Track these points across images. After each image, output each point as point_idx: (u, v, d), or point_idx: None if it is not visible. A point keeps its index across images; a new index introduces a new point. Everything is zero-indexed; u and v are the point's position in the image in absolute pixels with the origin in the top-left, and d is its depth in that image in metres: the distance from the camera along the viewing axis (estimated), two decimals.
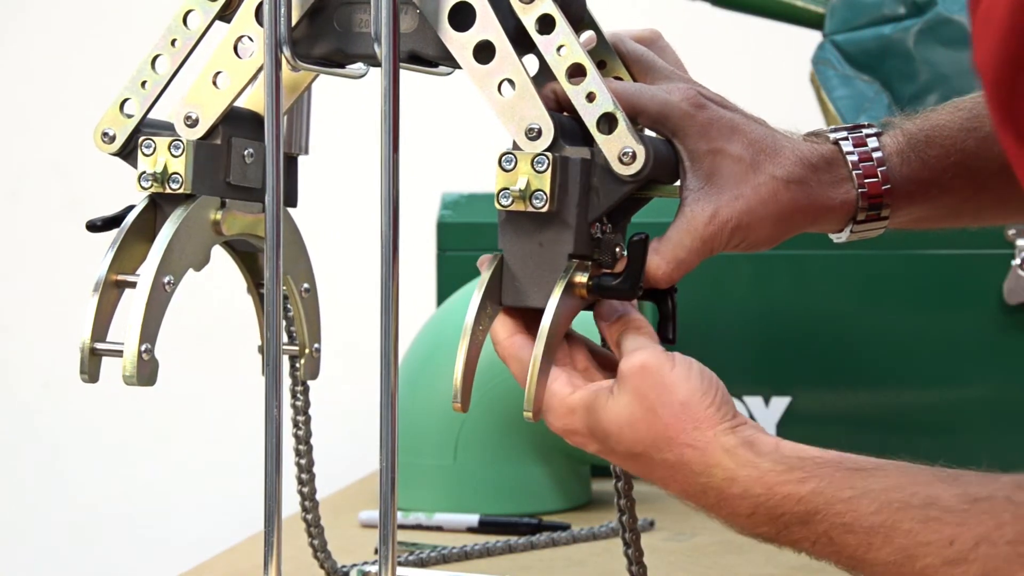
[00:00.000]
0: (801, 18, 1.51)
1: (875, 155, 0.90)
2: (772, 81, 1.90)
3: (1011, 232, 1.37)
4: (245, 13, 0.85)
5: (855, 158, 0.89)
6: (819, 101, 1.48)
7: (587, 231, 0.81)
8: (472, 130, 1.80)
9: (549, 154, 0.80)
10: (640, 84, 0.87)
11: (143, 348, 0.82)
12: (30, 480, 2.09)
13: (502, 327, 0.84)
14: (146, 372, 0.83)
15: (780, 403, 1.42)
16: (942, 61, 1.41)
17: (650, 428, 0.79)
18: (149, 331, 0.82)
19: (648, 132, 0.85)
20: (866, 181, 0.89)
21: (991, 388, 1.39)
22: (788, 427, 1.41)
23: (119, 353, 0.82)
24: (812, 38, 1.50)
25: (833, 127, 0.91)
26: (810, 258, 1.43)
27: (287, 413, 0.97)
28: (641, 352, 0.80)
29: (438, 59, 0.84)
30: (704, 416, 0.79)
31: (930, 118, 0.92)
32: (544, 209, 0.80)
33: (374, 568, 1.03)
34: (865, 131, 0.90)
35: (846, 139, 0.90)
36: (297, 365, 0.96)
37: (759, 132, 0.88)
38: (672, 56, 0.90)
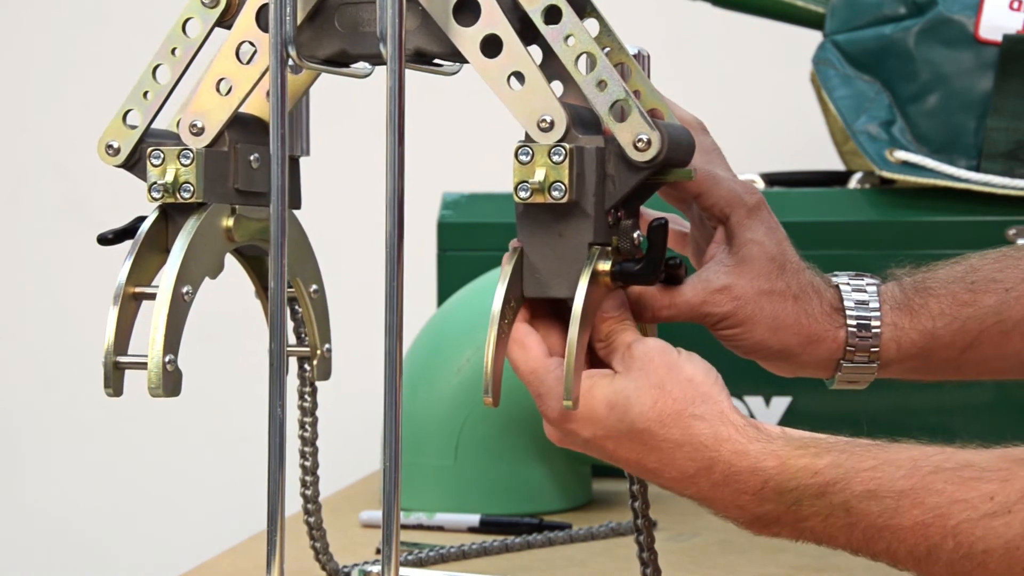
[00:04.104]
0: (801, 18, 1.51)
1: (871, 302, 0.92)
2: (772, 81, 1.90)
3: (1011, 232, 1.38)
4: (245, 19, 0.85)
5: (851, 302, 0.92)
6: (819, 101, 1.49)
7: (605, 219, 0.82)
8: (473, 130, 1.80)
9: (566, 145, 0.80)
10: (714, 171, 0.90)
11: (167, 360, 0.83)
12: (30, 480, 2.09)
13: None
14: (171, 383, 0.83)
15: (780, 403, 1.42)
16: (942, 61, 1.41)
17: (656, 403, 0.79)
18: (171, 342, 0.83)
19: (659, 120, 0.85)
20: (858, 323, 0.92)
21: (991, 388, 1.39)
22: (789, 427, 1.41)
23: (142, 366, 0.83)
24: (812, 38, 1.50)
25: (836, 273, 0.94)
26: (810, 258, 1.43)
27: (293, 414, 0.97)
28: (648, 339, 0.82)
29: (444, 56, 0.84)
30: (711, 392, 0.80)
31: (928, 269, 0.95)
32: (563, 200, 0.80)
33: (375, 568, 1.03)
34: (867, 280, 0.93)
35: (847, 284, 0.93)
36: (307, 367, 0.96)
37: (791, 248, 0.92)
38: (712, 144, 0.92)
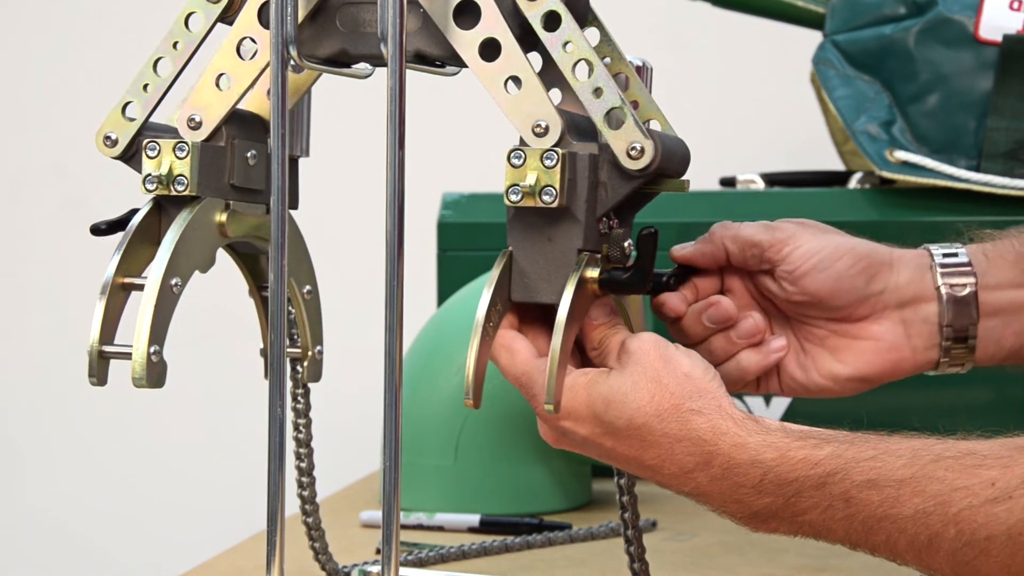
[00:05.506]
0: (801, 18, 1.51)
1: (959, 252, 0.93)
2: (772, 81, 1.90)
3: (1012, 230, 1.37)
4: (247, 15, 0.85)
5: (939, 251, 0.93)
6: (819, 101, 1.49)
7: (596, 226, 0.82)
8: (473, 130, 1.80)
9: (558, 150, 0.80)
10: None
11: (152, 350, 0.82)
12: (30, 480, 2.09)
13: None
14: (155, 374, 0.83)
15: (780, 403, 1.41)
16: (942, 61, 1.41)
17: (653, 397, 0.79)
18: (157, 333, 0.83)
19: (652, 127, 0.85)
20: (939, 249, 0.92)
21: (991, 388, 1.39)
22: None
23: (127, 356, 0.83)
24: (812, 38, 1.50)
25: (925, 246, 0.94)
26: None
27: (288, 416, 0.97)
28: (643, 334, 0.82)
29: (443, 58, 0.84)
30: (708, 387, 0.80)
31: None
32: (554, 205, 0.80)
33: (375, 568, 1.03)
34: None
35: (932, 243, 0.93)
36: (299, 368, 0.96)
37: None
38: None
